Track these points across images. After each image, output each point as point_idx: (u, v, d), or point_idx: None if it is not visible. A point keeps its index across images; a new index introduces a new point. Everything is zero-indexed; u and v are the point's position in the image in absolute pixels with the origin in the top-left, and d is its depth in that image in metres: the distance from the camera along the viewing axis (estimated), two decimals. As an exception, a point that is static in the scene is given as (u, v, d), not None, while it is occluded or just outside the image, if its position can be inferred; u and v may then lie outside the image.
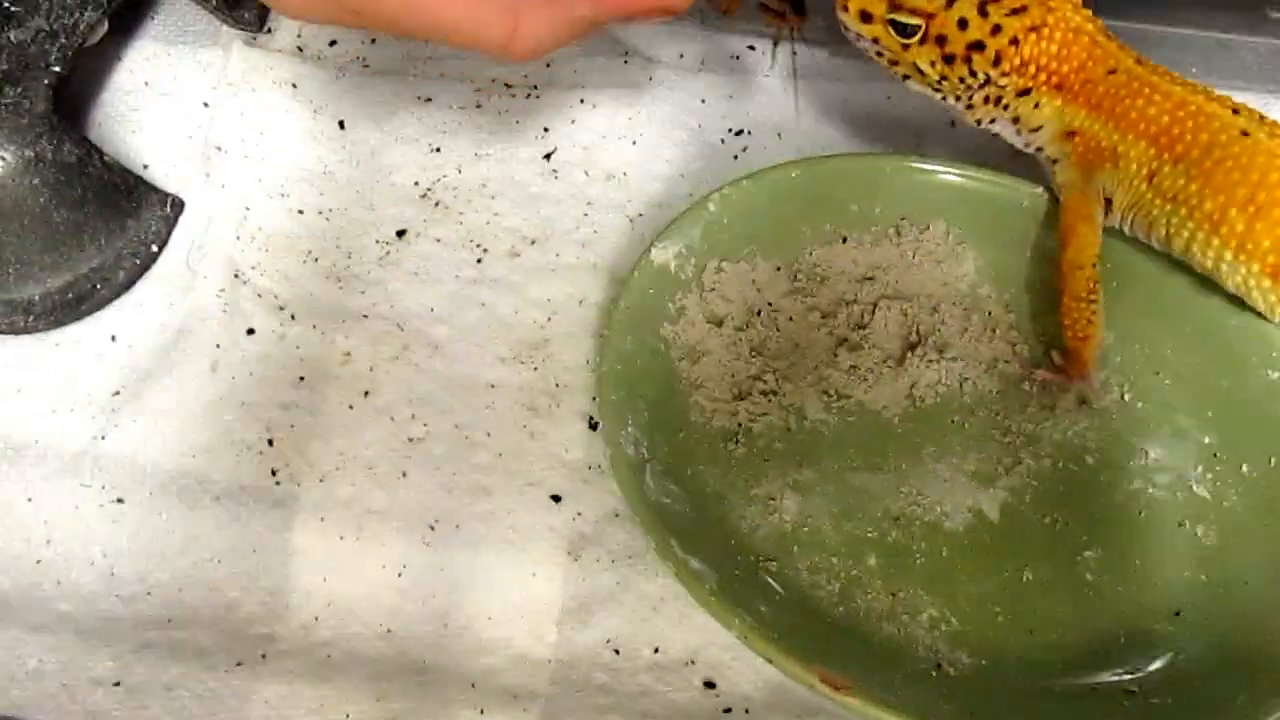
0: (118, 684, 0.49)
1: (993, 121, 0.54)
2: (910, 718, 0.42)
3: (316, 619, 0.52)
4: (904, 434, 0.53)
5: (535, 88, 0.64)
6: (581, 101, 0.63)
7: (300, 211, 0.61)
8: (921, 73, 0.52)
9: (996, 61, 0.51)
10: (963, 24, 0.50)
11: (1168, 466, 0.52)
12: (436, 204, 0.61)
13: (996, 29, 0.50)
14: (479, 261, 0.59)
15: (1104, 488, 0.52)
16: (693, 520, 0.48)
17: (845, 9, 0.52)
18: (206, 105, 0.64)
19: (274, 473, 0.54)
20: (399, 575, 0.52)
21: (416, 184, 0.61)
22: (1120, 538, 0.51)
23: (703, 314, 0.53)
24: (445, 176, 0.61)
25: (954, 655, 0.48)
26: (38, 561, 0.53)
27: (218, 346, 0.57)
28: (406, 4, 0.39)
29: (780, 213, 0.54)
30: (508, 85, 0.64)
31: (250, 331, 0.57)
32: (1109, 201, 0.52)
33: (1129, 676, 0.47)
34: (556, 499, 0.53)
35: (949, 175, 0.54)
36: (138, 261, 0.59)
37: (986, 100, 0.52)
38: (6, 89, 0.56)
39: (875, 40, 0.52)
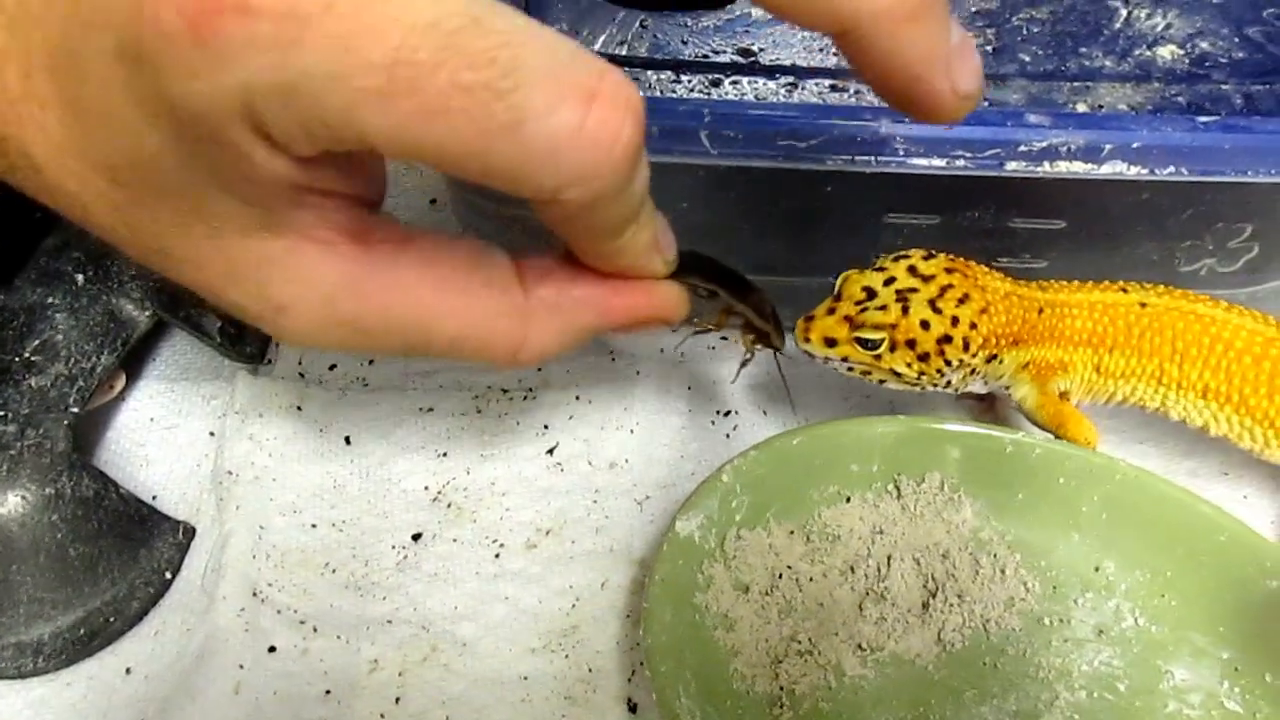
0: None
1: (965, 386, 0.60)
2: None
3: None
4: (941, 680, 0.53)
5: (531, 389, 0.68)
6: (577, 399, 0.67)
7: (314, 525, 0.62)
8: (899, 374, 0.56)
9: (966, 347, 0.56)
10: (925, 325, 0.55)
11: (1196, 686, 0.53)
12: (449, 505, 0.62)
13: (955, 320, 0.55)
14: (497, 557, 0.60)
15: (1142, 713, 0.53)
16: (754, 791, 0.48)
17: (808, 340, 0.56)
18: (212, 434, 0.66)
19: (308, 795, 0.52)
20: None
21: (427, 489, 0.63)
22: (1170, 761, 0.51)
23: (730, 582, 0.55)
24: (455, 479, 0.64)
25: None
26: None
27: (240, 667, 0.55)
28: (420, 320, 0.38)
29: (787, 479, 0.57)
30: (504, 390, 0.68)
31: (272, 649, 0.56)
32: (1064, 393, 0.61)
33: None
34: (606, 788, 0.52)
35: (935, 427, 0.58)
36: (151, 590, 0.59)
37: (962, 376, 0.58)
38: (29, 431, 0.58)
39: (844, 359, 0.56)
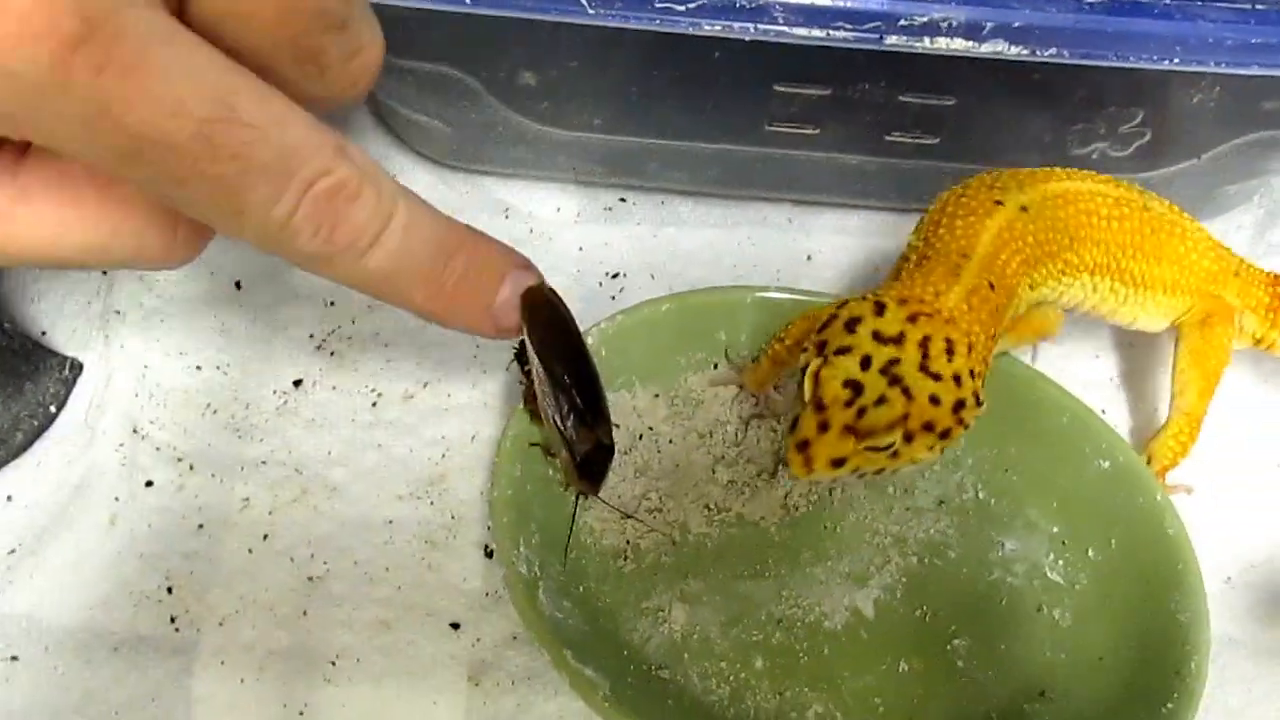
0: (9, 846, 0.48)
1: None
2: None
3: (218, 767, 0.52)
4: (781, 541, 0.56)
5: (424, 243, 0.68)
6: (467, 254, 0.67)
7: (198, 368, 0.63)
8: (925, 458, 0.49)
9: (979, 401, 0.49)
10: (935, 400, 0.47)
11: (1022, 556, 0.56)
12: (331, 354, 0.64)
13: (958, 379, 0.48)
14: (374, 405, 0.62)
15: (967, 580, 0.56)
16: (586, 634, 0.51)
17: (811, 470, 0.47)
18: (105, 274, 0.66)
19: (173, 620, 0.55)
20: (300, 714, 0.53)
21: (311, 336, 0.64)
22: (985, 625, 0.54)
23: (588, 440, 0.57)
24: (340, 328, 0.65)
25: (841, 748, 0.50)
26: (-75, 730, 0.52)
27: (116, 500, 0.58)
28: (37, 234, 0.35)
29: (655, 344, 0.59)
30: (397, 242, 0.68)
31: (149, 484, 0.59)
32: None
33: (1003, 752, 0.50)
34: (456, 626, 0.55)
35: (800, 300, 0.59)
36: (35, 423, 0.61)
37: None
38: (-93, 263, 0.58)
39: (857, 469, 0.48)
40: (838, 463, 0.47)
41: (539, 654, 0.53)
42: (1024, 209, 0.55)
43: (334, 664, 0.54)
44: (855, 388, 0.46)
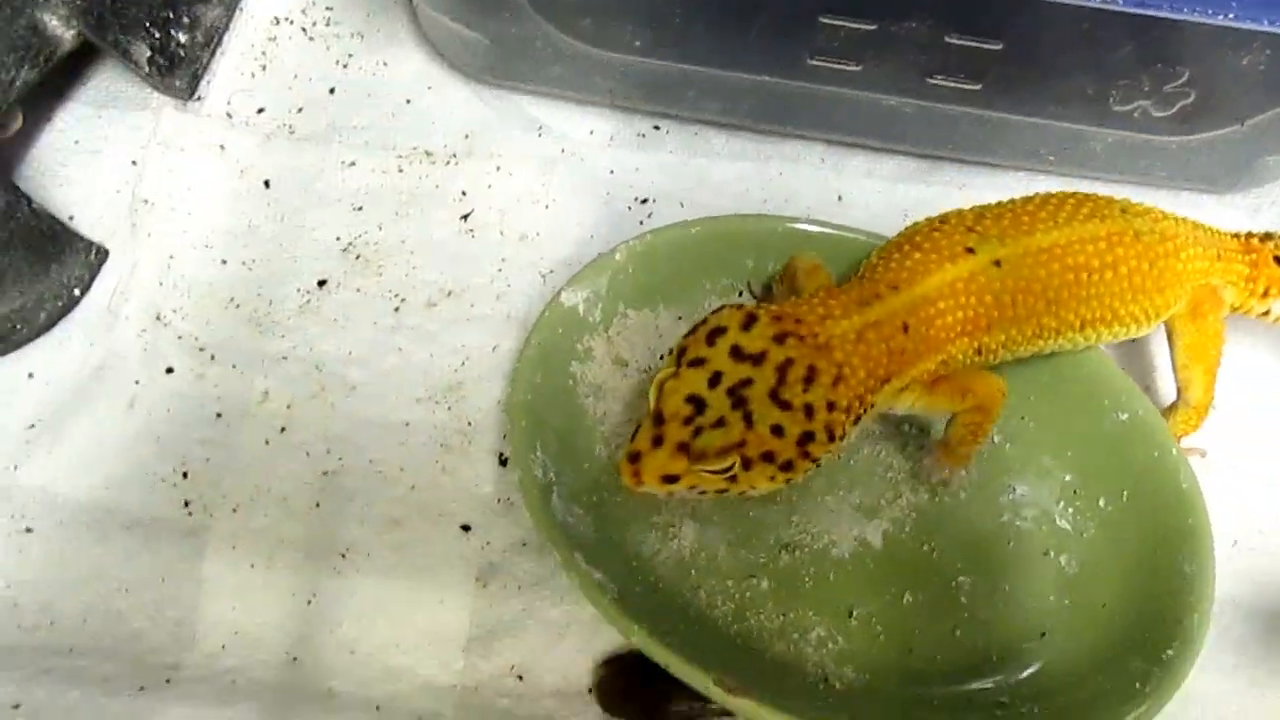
0: (17, 706, 0.49)
1: (844, 439, 0.49)
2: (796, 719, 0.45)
3: (223, 647, 0.52)
4: (794, 469, 0.56)
5: (455, 156, 0.68)
6: (498, 169, 0.67)
7: (224, 262, 0.63)
8: (765, 487, 0.47)
9: (831, 437, 0.46)
10: (778, 430, 0.45)
11: (1033, 502, 0.57)
12: (357, 258, 0.64)
13: (809, 410, 0.45)
14: (397, 310, 0.62)
15: (976, 520, 0.56)
16: (596, 540, 0.51)
17: (640, 484, 0.46)
18: (135, 163, 0.66)
19: (186, 504, 0.55)
20: (308, 603, 0.53)
21: (338, 239, 0.64)
22: (991, 565, 0.55)
23: (609, 356, 0.57)
24: (367, 233, 0.65)
25: (840, 671, 0.51)
26: (-61, 592, 0.53)
27: (136, 383, 0.58)
28: None
29: (681, 266, 0.59)
30: (429, 153, 0.68)
31: (169, 370, 0.59)
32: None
33: (1000, 686, 0.50)
34: (466, 529, 0.55)
35: (830, 233, 0.59)
36: (59, 304, 0.61)
37: (838, 448, 0.48)
38: (-59, 134, 0.58)
39: (694, 487, 0.47)
40: (669, 479, 0.45)
41: (546, 561, 0.54)
42: (997, 264, 0.51)
43: (344, 556, 0.54)
44: (698, 405, 0.45)
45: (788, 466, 0.46)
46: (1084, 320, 0.54)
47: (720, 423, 0.45)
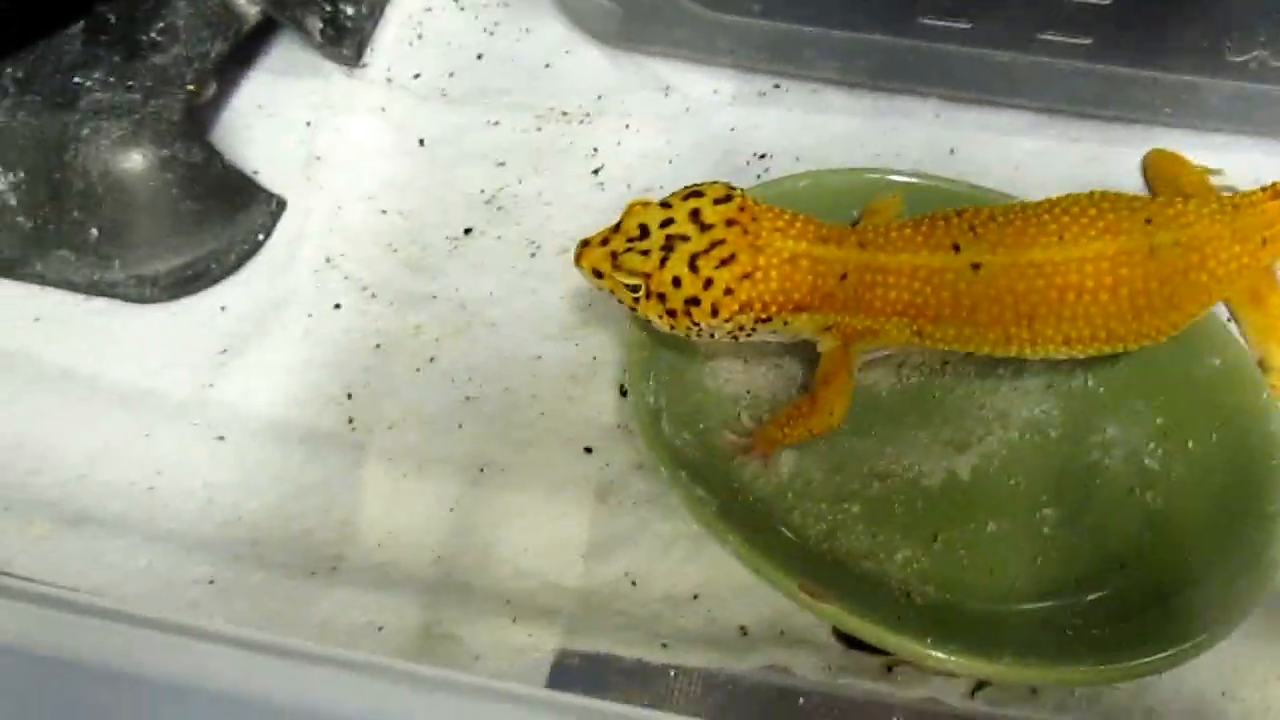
0: (212, 582, 0.59)
1: (750, 335, 0.56)
2: (877, 625, 0.50)
3: (379, 544, 0.60)
4: (890, 405, 0.61)
5: (588, 115, 0.74)
6: (626, 127, 0.73)
7: (384, 211, 0.71)
8: (655, 323, 0.55)
9: (715, 313, 0.53)
10: (676, 282, 0.53)
11: (1122, 442, 0.59)
12: (499, 209, 0.71)
13: (709, 283, 0.52)
14: (533, 256, 0.69)
15: (1064, 458, 0.59)
16: (701, 462, 0.57)
17: (579, 264, 0.55)
18: (308, 124, 0.75)
19: (350, 421, 0.63)
20: (451, 510, 0.61)
21: (482, 191, 0.72)
22: (1076, 499, 0.58)
23: (720, 298, 0.62)
24: (507, 186, 0.72)
25: (922, 588, 0.55)
26: (150, 489, 0.62)
27: (309, 316, 0.67)
28: None
29: (789, 217, 0.63)
30: (564, 113, 0.74)
31: (337, 306, 0.67)
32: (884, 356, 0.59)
33: (1075, 608, 0.54)
34: (589, 451, 0.62)
35: (940, 185, 0.62)
36: (246, 248, 0.70)
37: (730, 333, 0.55)
38: (151, 101, 0.68)
39: (611, 292, 0.55)
40: (597, 273, 0.55)
41: (659, 481, 0.60)
42: (976, 267, 0.53)
43: (482, 471, 0.61)
44: (643, 232, 0.54)
45: (672, 314, 0.54)
46: (1068, 337, 0.54)
47: (645, 253, 0.53)
